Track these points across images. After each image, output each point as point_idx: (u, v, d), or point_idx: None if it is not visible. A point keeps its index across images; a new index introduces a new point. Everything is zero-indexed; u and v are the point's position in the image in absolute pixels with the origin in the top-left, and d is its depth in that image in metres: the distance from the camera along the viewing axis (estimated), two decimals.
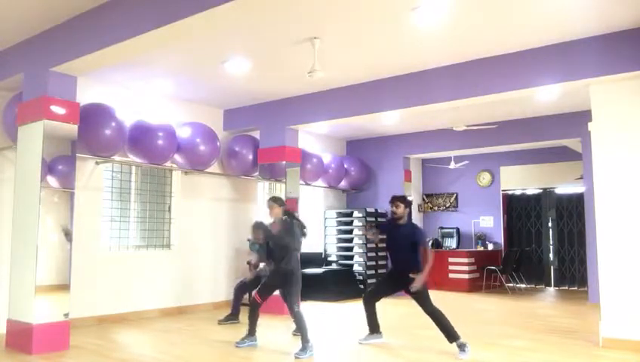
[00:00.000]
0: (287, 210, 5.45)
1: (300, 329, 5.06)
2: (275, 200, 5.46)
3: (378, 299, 5.59)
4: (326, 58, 5.84)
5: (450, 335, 5.00)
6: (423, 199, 12.11)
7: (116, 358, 4.82)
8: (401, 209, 5.38)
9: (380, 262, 9.89)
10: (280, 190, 7.90)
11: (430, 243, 11.17)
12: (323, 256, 10.12)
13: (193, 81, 7.02)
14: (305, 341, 4.98)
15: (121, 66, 6.15)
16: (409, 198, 5.57)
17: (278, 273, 5.29)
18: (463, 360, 4.82)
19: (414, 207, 10.82)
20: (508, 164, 11.12)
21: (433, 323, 5.12)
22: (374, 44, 5.70)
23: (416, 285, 5.05)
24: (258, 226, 5.65)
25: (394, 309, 5.59)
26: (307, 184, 9.30)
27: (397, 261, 5.44)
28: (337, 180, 9.94)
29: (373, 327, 5.55)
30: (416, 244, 5.27)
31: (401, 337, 5.79)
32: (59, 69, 5.18)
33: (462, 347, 4.92)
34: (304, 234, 5.41)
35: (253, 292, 5.58)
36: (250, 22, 4.98)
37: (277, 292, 5.52)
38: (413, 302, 5.22)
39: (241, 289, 6.87)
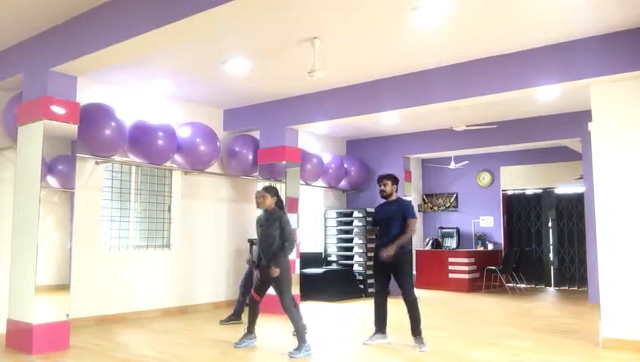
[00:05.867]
0: (279, 202, 5.28)
1: (296, 328, 5.01)
2: (268, 189, 5.25)
3: (386, 294, 5.55)
4: (326, 58, 5.84)
5: (417, 327, 5.22)
6: (423, 199, 12.12)
7: (116, 358, 4.82)
8: (389, 187, 5.50)
9: None
10: (280, 190, 7.87)
11: (430, 242, 11.19)
12: (323, 256, 10.11)
13: (193, 81, 7.02)
14: (301, 340, 4.94)
15: (121, 66, 6.15)
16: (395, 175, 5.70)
17: (267, 268, 5.15)
18: (424, 351, 5.07)
19: (414, 208, 10.83)
20: (508, 164, 11.14)
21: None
22: (374, 44, 5.69)
23: (387, 253, 5.17)
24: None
25: (394, 309, 5.59)
26: (307, 184, 9.30)
27: (383, 239, 5.43)
28: (337, 180, 9.94)
29: (380, 327, 5.53)
30: (405, 220, 5.34)
31: (402, 337, 5.77)
32: (59, 69, 5.18)
33: (421, 340, 5.19)
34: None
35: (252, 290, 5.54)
36: (250, 22, 4.98)
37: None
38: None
39: (247, 285, 6.79)
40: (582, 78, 5.43)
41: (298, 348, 4.90)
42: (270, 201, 5.20)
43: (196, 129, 7.44)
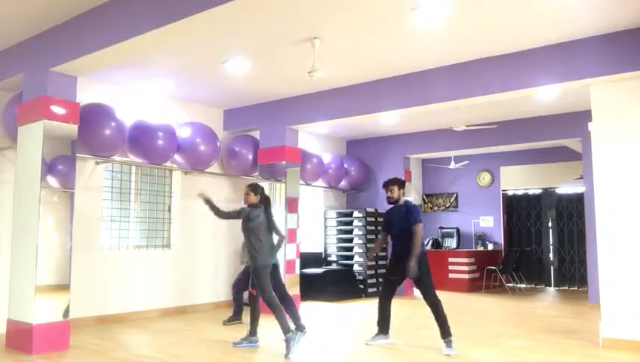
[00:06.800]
0: (263, 200, 5.37)
1: (278, 321, 4.96)
2: (252, 188, 5.36)
3: (391, 296, 5.52)
4: (326, 58, 5.84)
5: (444, 331, 5.09)
6: (423, 199, 12.12)
7: (116, 358, 4.82)
8: (395, 192, 5.42)
9: (380, 262, 9.88)
10: (280, 190, 7.90)
11: (430, 242, 11.18)
12: (323, 256, 10.11)
13: (193, 81, 7.02)
14: (286, 338, 4.89)
15: (121, 66, 6.15)
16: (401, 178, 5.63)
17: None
18: (450, 355, 4.91)
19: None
20: (508, 164, 11.14)
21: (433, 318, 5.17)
22: (374, 44, 5.69)
23: (414, 272, 5.05)
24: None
25: (396, 309, 5.59)
26: (307, 184, 9.30)
27: (397, 244, 5.42)
28: (337, 180, 9.94)
29: (383, 328, 5.51)
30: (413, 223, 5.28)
31: (403, 337, 5.78)
32: (59, 69, 5.19)
33: (449, 344, 5.03)
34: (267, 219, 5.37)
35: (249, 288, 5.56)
36: (250, 22, 4.98)
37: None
38: (415, 302, 5.21)
39: (237, 285, 6.83)
40: (582, 78, 5.43)
41: (287, 346, 4.87)
42: (253, 199, 5.31)
43: (196, 129, 7.44)
